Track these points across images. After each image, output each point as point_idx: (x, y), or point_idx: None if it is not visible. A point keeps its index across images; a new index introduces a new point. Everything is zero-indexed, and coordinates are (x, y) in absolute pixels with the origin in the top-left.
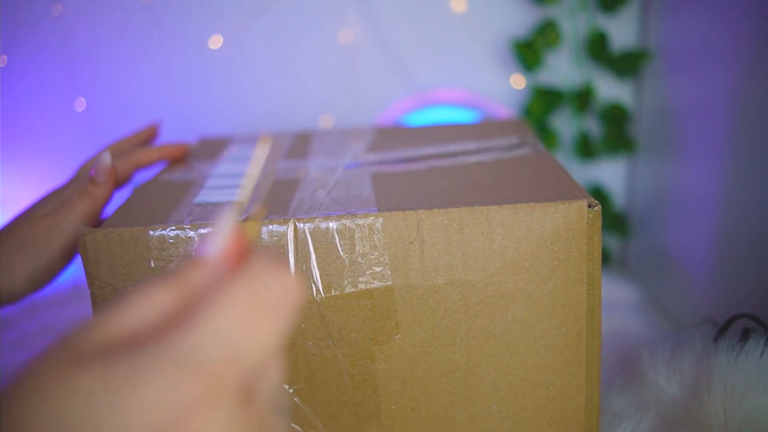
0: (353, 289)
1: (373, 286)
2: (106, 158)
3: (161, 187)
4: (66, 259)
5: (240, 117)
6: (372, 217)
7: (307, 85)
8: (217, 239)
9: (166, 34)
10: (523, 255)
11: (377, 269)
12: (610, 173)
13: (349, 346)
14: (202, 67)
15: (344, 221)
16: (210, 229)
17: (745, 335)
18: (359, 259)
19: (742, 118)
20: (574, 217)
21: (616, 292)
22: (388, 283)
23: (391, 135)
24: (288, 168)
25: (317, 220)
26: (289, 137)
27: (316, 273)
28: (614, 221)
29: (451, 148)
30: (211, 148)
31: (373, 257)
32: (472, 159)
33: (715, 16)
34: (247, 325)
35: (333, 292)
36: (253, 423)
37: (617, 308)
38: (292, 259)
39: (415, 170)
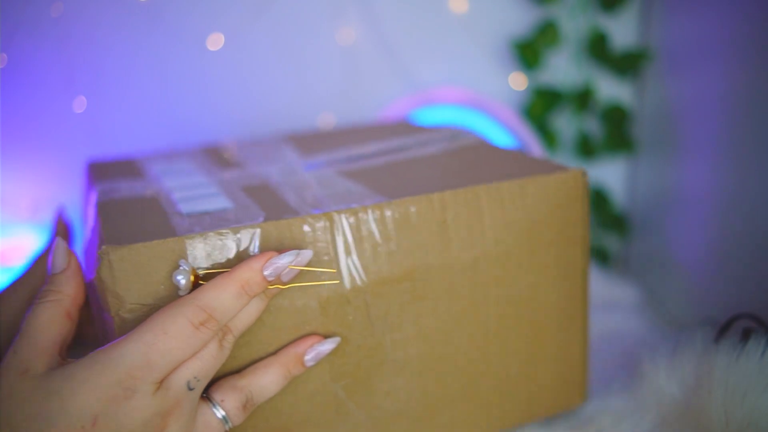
0: (394, 274)
1: (412, 268)
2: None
3: (130, 204)
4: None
5: (240, 116)
6: (403, 204)
7: (307, 85)
8: (60, 257)
9: (165, 34)
10: (531, 225)
11: (416, 252)
12: (610, 173)
13: (393, 331)
14: (201, 67)
15: (380, 210)
16: (53, 253)
17: (745, 335)
18: (393, 245)
19: (743, 118)
20: (571, 186)
21: (616, 292)
22: (424, 263)
23: (316, 139)
24: (240, 176)
25: (357, 211)
26: (198, 151)
27: (358, 263)
28: (614, 221)
29: (391, 144)
30: (123, 169)
31: (407, 241)
32: (426, 150)
33: (715, 16)
34: (157, 345)
35: (376, 279)
36: (168, 401)
37: (617, 308)
38: (341, 249)
39: (381, 164)
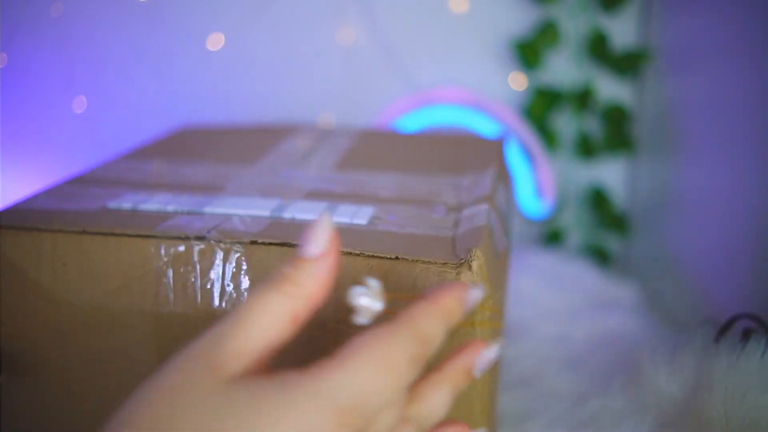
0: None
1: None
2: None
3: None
4: None
5: (239, 116)
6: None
7: (307, 85)
8: (320, 239)
9: (165, 34)
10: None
11: None
12: (610, 173)
13: None
14: (201, 67)
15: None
16: (310, 229)
17: (745, 335)
18: None
19: (742, 118)
20: (496, 147)
21: (616, 292)
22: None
23: (195, 151)
24: (271, 190)
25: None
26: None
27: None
28: (614, 221)
29: (301, 144)
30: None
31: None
32: (342, 143)
33: (716, 15)
34: (375, 381)
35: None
36: None
37: (617, 308)
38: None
39: (342, 158)
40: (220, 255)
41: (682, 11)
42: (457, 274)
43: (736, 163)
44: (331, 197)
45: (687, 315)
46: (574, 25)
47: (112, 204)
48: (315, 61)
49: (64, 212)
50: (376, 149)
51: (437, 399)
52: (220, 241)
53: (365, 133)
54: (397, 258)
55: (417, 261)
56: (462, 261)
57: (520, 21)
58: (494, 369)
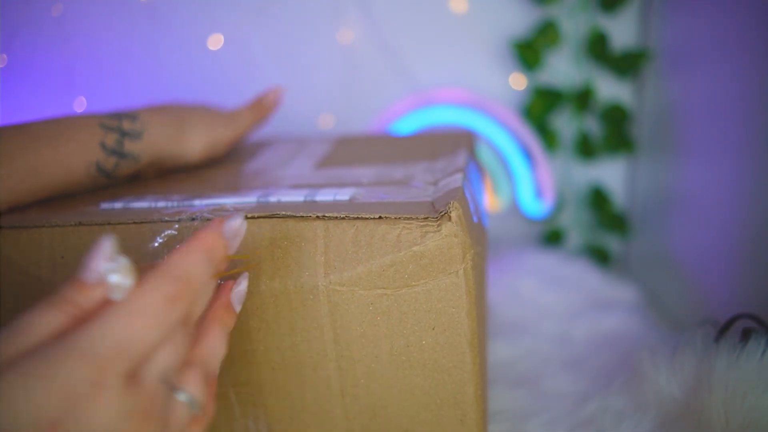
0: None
1: None
2: (280, 92)
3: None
4: (232, 146)
5: None
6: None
7: (307, 85)
8: (99, 267)
9: (166, 34)
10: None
11: None
12: (610, 173)
13: None
14: (202, 67)
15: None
16: (95, 256)
17: (745, 335)
18: None
19: (743, 118)
20: (466, 137)
21: (616, 292)
22: None
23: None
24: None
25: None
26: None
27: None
28: (614, 221)
29: (282, 151)
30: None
31: None
32: (318, 150)
33: (716, 15)
34: (130, 327)
35: None
36: (142, 399)
37: (617, 308)
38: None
39: (319, 161)
40: None
41: (682, 11)
42: (438, 225)
43: (736, 163)
44: (313, 187)
45: (687, 315)
46: (574, 25)
47: (105, 205)
48: (315, 61)
49: (60, 212)
50: (353, 150)
51: (212, 339)
52: (211, 219)
53: (341, 139)
54: (380, 218)
55: (399, 219)
56: (442, 213)
57: (520, 21)
58: (483, 358)
